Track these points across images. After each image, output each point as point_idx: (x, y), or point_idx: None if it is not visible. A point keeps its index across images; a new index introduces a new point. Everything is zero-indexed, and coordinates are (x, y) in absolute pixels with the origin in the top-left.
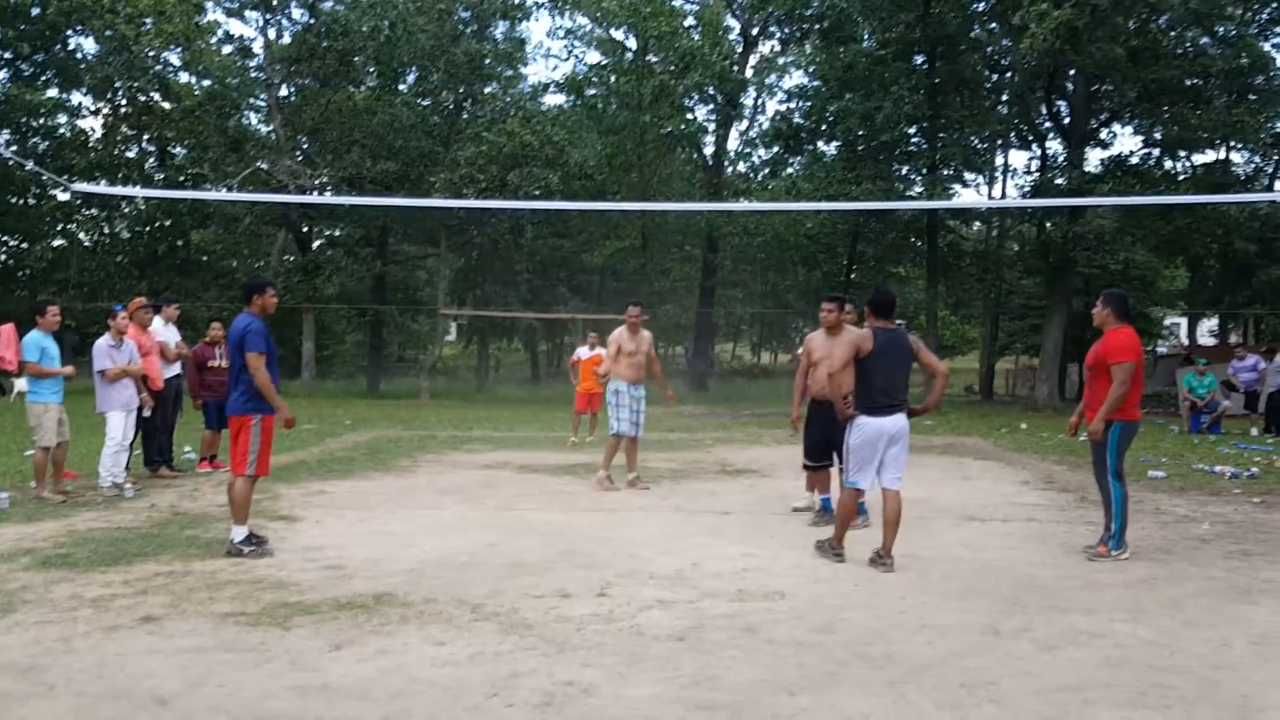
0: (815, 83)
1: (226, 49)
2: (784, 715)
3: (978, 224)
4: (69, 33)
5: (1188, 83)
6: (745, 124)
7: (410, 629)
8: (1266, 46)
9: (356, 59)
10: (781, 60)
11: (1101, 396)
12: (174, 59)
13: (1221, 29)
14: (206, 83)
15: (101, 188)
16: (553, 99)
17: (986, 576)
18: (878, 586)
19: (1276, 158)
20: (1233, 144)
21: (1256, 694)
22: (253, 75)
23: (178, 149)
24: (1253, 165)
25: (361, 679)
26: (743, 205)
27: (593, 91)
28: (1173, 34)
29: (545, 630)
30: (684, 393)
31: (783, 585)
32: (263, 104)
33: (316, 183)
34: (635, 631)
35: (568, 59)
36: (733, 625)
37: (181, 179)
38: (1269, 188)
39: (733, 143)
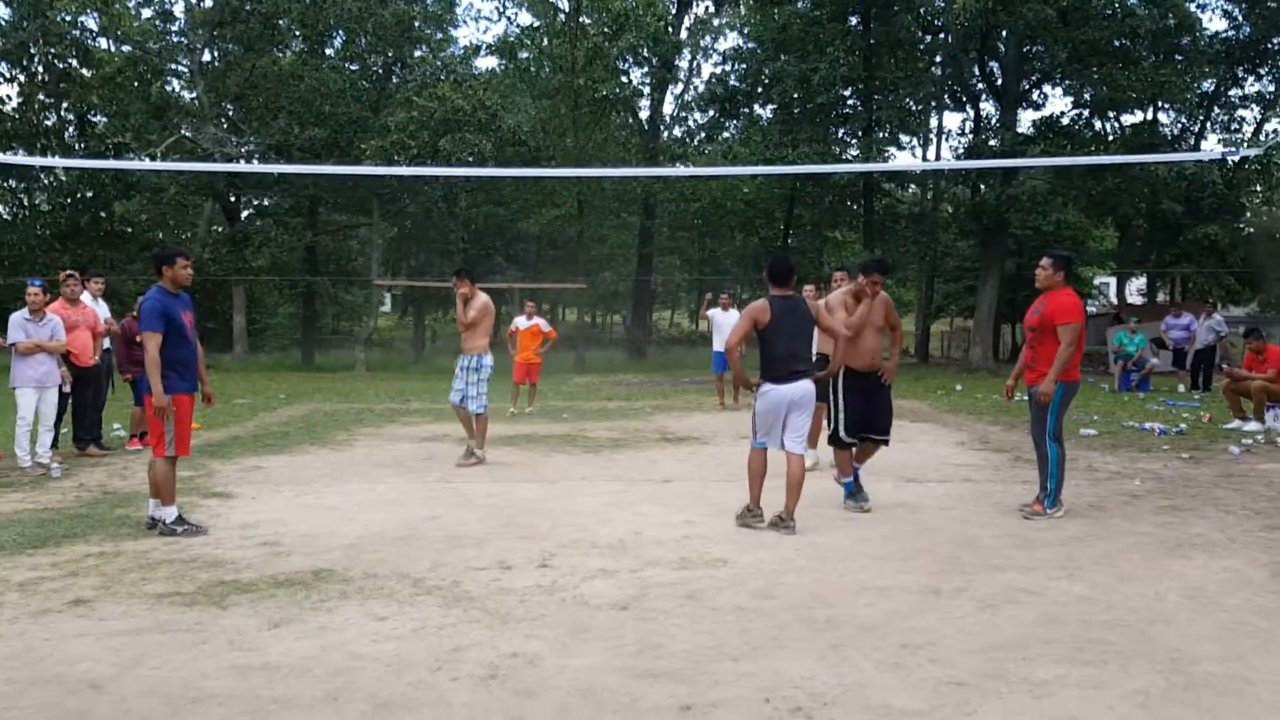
0: (750, 44)
1: (146, 13)
2: (727, 681)
3: (913, 187)
4: None
5: (1116, 43)
6: (681, 87)
7: (351, 605)
8: (1192, 7)
9: (281, 22)
10: (716, 21)
11: (1046, 357)
12: (91, 24)
13: None
14: (126, 48)
15: (18, 158)
16: (484, 62)
17: (925, 537)
18: (819, 551)
19: (1202, 118)
20: (1160, 104)
21: (1189, 647)
22: (174, 40)
23: (98, 117)
24: (1179, 125)
25: (302, 657)
26: (679, 170)
27: (525, 54)
28: None
29: (488, 603)
30: (622, 361)
31: (724, 552)
32: (185, 70)
33: (243, 150)
34: (578, 602)
35: (499, 20)
36: (675, 593)
37: (103, 148)
38: (1195, 148)
39: (668, 107)
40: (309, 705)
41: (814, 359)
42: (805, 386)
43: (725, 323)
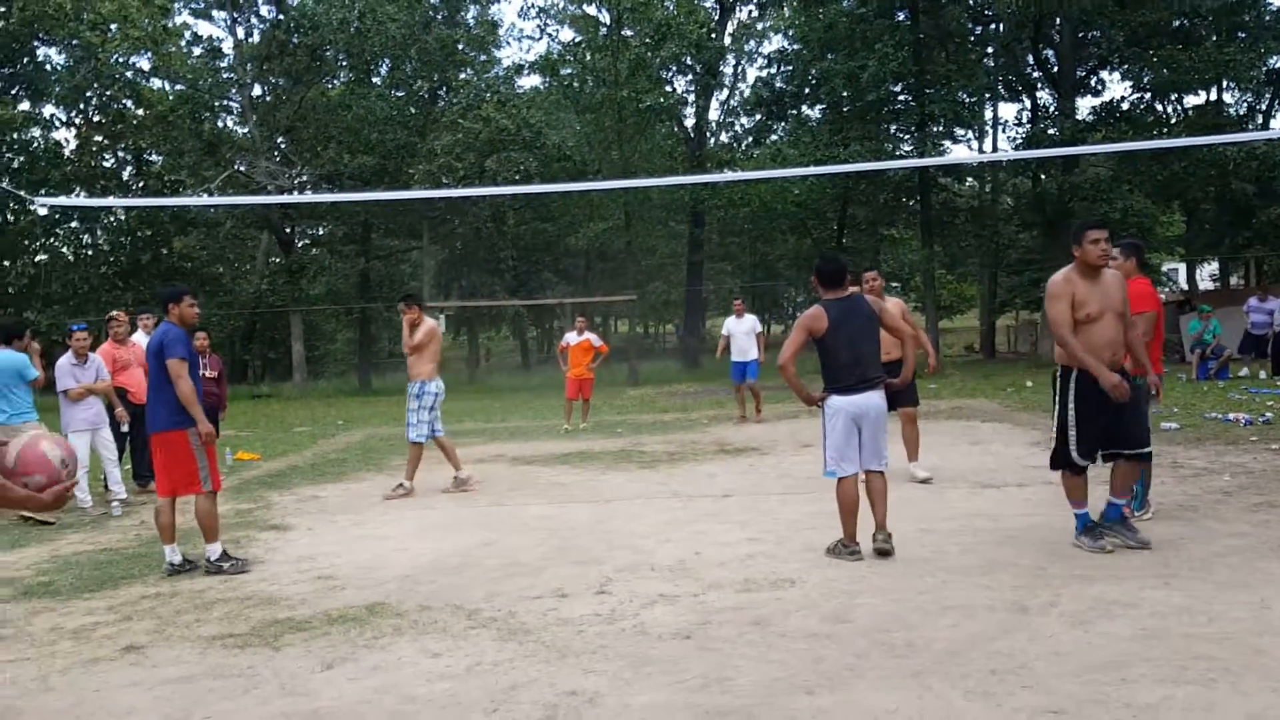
0: (796, 46)
1: (196, 51)
2: (801, 717)
3: (971, 180)
4: (35, 44)
5: (1176, 24)
6: (726, 93)
7: (404, 641)
8: None
9: (327, 53)
10: (760, 25)
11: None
12: (143, 64)
13: None
14: (178, 87)
15: (69, 199)
16: (528, 81)
17: (1007, 548)
18: (893, 566)
19: (1270, 95)
20: (1225, 84)
21: None
22: (224, 76)
23: (153, 156)
24: (1245, 104)
25: (354, 700)
26: (725, 175)
27: (568, 70)
28: None
29: (544, 635)
30: (676, 371)
31: (791, 571)
32: (236, 105)
33: (295, 182)
34: (639, 631)
35: (541, 38)
36: (741, 619)
37: (160, 186)
38: (1264, 126)
39: (714, 113)
40: None
41: (880, 366)
42: (876, 398)
43: (739, 330)
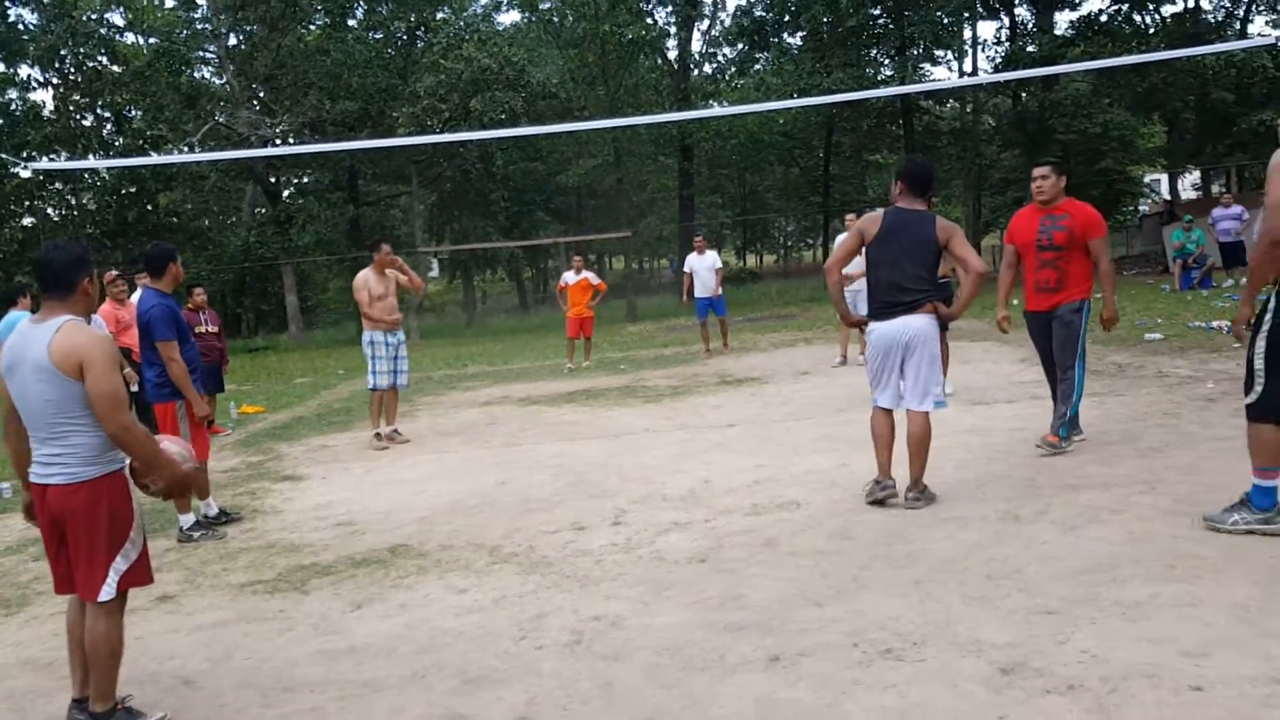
0: None
1: (169, 3)
2: (812, 628)
3: (952, 101)
4: (7, 4)
5: None
6: (707, 23)
7: (430, 579)
8: None
9: None
10: None
11: (1078, 276)
12: (117, 20)
13: None
14: (153, 41)
15: (60, 163)
16: (507, 18)
17: (999, 461)
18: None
19: (1247, 1)
20: None
21: None
22: (199, 27)
23: (133, 112)
24: (1223, 10)
25: (387, 636)
26: (712, 111)
27: (547, 5)
28: None
29: (565, 566)
30: (674, 306)
31: (796, 494)
32: (213, 56)
33: (277, 130)
34: (655, 558)
35: None
36: (751, 541)
37: (140, 142)
38: (1242, 33)
39: (696, 44)
40: (399, 686)
41: (928, 287)
42: (914, 323)
43: (701, 266)
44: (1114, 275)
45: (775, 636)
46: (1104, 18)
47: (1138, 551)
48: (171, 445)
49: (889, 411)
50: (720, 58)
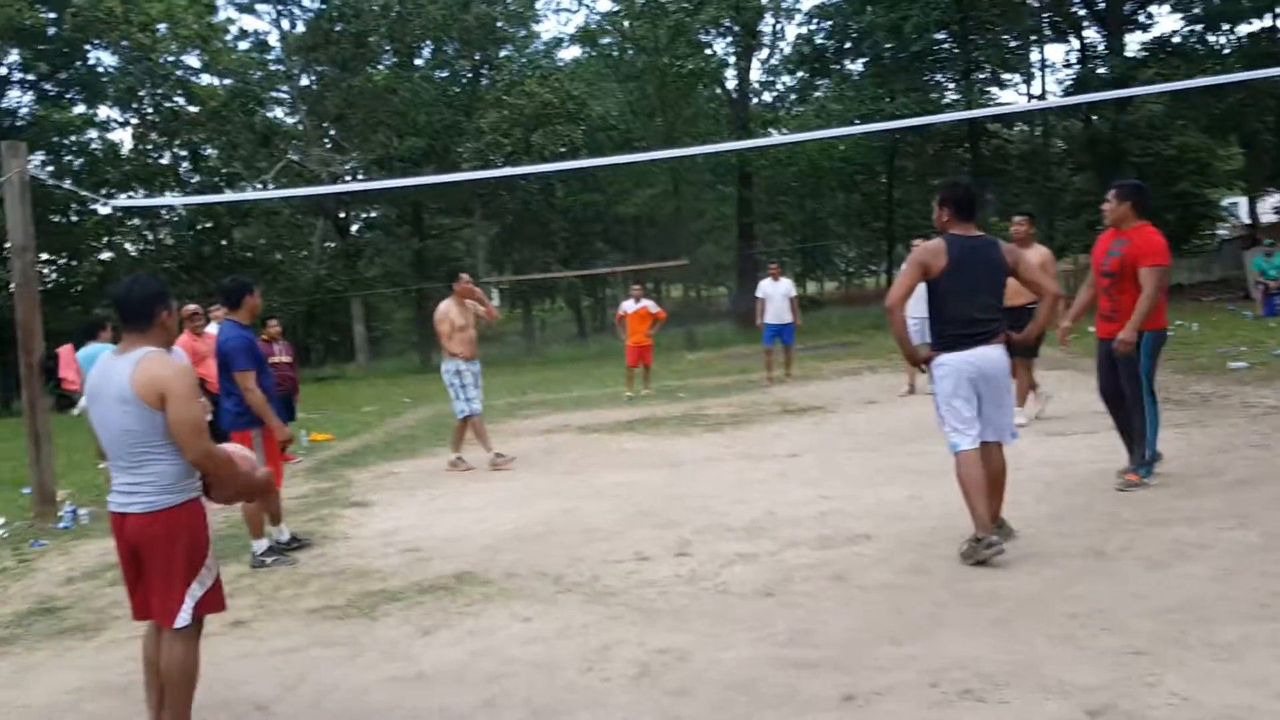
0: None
1: (243, 45)
2: (889, 666)
3: (1020, 125)
4: (87, 48)
5: None
6: (766, 52)
7: (495, 607)
8: None
9: (371, 39)
10: None
11: (1129, 307)
12: (193, 61)
13: None
14: (228, 81)
15: (138, 200)
16: (568, 53)
17: (1080, 495)
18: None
19: None
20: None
21: None
22: (272, 68)
23: (209, 150)
24: None
25: (455, 664)
26: (771, 140)
27: (608, 40)
28: None
29: (629, 597)
30: (732, 333)
31: (865, 527)
32: (286, 96)
33: (347, 167)
34: (721, 590)
35: (579, 10)
36: (820, 574)
37: (215, 179)
38: None
39: (756, 73)
40: (468, 714)
41: (999, 316)
42: (993, 354)
43: (775, 293)
44: (1146, 311)
45: (849, 675)
46: (1176, 39)
47: (1228, 589)
48: (237, 449)
49: (977, 453)
50: (780, 85)
